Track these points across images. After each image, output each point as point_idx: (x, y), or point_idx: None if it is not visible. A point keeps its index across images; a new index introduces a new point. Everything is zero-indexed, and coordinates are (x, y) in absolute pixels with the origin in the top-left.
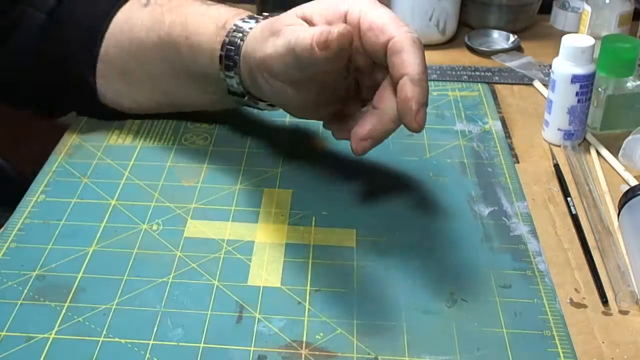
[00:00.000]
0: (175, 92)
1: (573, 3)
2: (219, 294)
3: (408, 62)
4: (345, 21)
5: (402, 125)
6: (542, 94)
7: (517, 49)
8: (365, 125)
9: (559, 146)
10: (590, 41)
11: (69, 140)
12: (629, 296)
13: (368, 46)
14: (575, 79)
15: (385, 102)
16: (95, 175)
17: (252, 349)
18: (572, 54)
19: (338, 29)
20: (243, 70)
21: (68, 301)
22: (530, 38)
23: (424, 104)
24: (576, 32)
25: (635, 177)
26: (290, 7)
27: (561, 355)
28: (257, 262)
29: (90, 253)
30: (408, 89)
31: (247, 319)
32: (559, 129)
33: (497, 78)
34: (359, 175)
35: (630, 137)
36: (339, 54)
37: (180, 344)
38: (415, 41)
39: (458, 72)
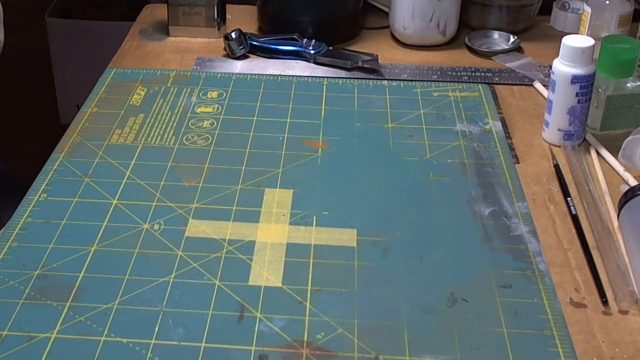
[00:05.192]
0: None
1: (573, 4)
2: (220, 294)
3: None
4: None
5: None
6: (542, 95)
7: (517, 49)
8: None
9: (559, 146)
10: (590, 42)
11: (70, 139)
12: (628, 296)
13: None
14: (575, 79)
15: None
16: (96, 174)
17: (253, 348)
18: (572, 54)
19: None
20: None
21: (69, 300)
22: (531, 39)
23: None
24: (576, 33)
25: (635, 177)
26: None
27: (561, 354)
28: (258, 261)
29: (91, 252)
30: None
31: (248, 318)
32: (559, 130)
33: (497, 79)
34: (359, 175)
35: (630, 138)
36: None
37: (182, 343)
38: None
39: (458, 73)
